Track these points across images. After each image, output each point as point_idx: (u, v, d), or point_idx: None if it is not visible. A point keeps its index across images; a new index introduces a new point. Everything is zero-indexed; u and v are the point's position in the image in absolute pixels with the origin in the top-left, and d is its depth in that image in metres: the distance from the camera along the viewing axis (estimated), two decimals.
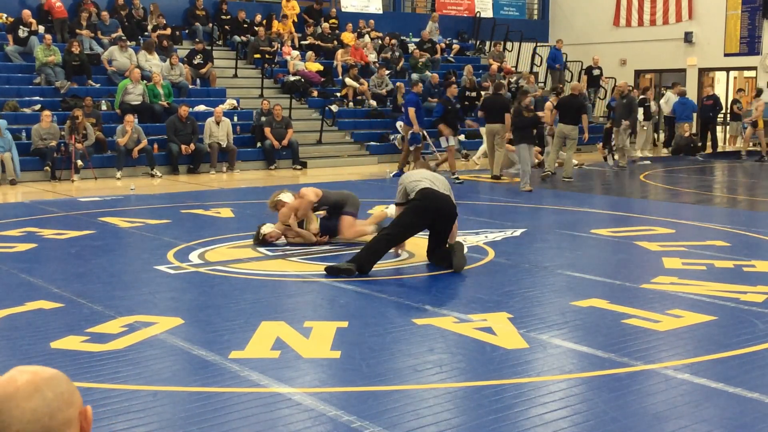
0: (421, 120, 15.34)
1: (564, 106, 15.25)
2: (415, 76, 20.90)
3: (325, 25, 22.37)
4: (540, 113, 15.69)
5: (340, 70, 20.58)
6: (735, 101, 21.91)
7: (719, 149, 21.71)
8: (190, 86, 18.17)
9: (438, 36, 24.02)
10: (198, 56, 18.82)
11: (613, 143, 17.71)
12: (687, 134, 20.57)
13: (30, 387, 1.48)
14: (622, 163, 17.25)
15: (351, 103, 19.80)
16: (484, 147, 17.10)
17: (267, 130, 16.77)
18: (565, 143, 15.30)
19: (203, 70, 18.75)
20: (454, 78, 19.66)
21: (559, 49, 23.15)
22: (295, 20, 21.93)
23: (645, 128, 20.59)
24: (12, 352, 5.05)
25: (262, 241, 8.42)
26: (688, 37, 24.31)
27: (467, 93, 20.48)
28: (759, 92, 20.60)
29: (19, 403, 1.46)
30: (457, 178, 14.38)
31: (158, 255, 7.90)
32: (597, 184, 15.23)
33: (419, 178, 7.59)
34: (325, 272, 7.04)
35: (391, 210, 9.08)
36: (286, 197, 8.57)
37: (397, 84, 19.71)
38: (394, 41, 22.61)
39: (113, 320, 5.62)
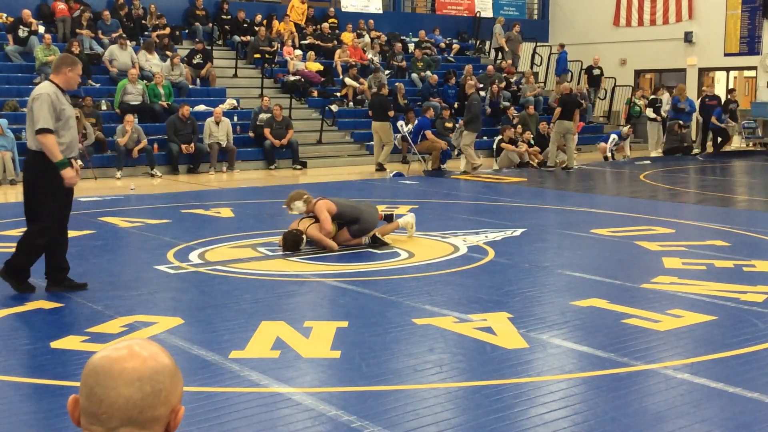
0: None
1: (564, 105, 16.27)
2: (420, 77, 20.92)
3: (325, 25, 22.36)
4: None
5: (339, 69, 20.58)
6: (729, 101, 21.88)
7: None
8: (190, 86, 18.16)
9: (501, 43, 23.48)
10: (198, 56, 18.81)
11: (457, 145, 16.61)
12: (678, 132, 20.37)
13: (134, 375, 1.46)
14: (467, 168, 15.99)
15: (351, 103, 19.79)
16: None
17: (267, 131, 16.75)
18: (565, 137, 16.41)
19: (203, 70, 18.74)
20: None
21: (558, 51, 23.12)
22: (301, 21, 21.93)
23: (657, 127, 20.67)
24: (12, 352, 5.05)
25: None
26: (688, 37, 24.28)
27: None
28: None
29: (117, 386, 1.45)
30: None
31: (158, 255, 7.90)
32: (597, 184, 15.24)
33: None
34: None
35: (404, 220, 9.01)
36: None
37: (397, 84, 19.68)
38: (397, 44, 22.52)
39: (113, 320, 5.62)
